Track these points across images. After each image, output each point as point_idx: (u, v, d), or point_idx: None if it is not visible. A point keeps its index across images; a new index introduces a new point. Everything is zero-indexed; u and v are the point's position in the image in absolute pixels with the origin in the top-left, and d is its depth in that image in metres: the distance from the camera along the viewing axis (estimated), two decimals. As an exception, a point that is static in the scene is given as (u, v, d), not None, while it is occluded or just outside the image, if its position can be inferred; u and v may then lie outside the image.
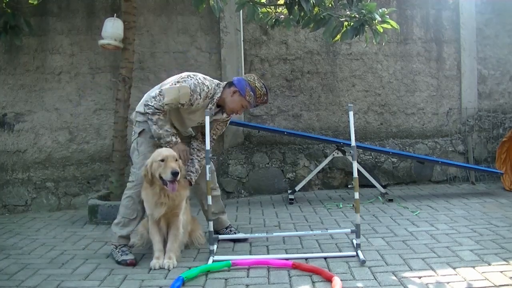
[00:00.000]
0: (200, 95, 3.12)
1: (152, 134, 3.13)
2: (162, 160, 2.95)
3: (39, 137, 5.08)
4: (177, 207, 3.07)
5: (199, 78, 3.17)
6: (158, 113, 3.06)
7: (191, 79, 3.12)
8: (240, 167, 5.25)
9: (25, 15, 4.77)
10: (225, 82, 3.33)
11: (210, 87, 3.17)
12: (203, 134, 3.20)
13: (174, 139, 3.12)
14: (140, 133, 3.20)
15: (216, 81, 3.30)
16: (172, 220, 3.06)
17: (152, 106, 3.05)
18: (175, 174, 2.90)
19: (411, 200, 4.75)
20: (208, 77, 3.27)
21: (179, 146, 3.15)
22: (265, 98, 3.30)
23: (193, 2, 3.67)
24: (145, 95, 3.27)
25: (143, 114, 3.14)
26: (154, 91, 3.19)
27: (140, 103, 3.27)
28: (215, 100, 3.21)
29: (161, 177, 2.95)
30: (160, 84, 3.28)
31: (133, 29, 4.40)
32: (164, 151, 3.00)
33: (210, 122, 3.15)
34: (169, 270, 2.87)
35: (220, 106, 3.28)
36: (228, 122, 3.54)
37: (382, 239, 3.40)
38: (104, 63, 5.15)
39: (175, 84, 3.10)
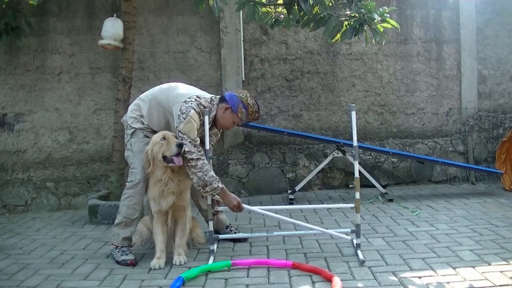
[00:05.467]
0: (202, 115, 3.11)
1: (194, 182, 3.00)
2: (164, 138, 2.97)
3: (39, 137, 5.08)
4: (183, 199, 3.08)
5: (195, 99, 3.08)
6: (201, 155, 2.97)
7: (190, 104, 3.04)
8: (240, 167, 5.25)
9: (25, 15, 4.77)
10: (217, 97, 3.27)
11: (206, 106, 3.14)
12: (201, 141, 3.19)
13: (220, 185, 3.03)
14: (132, 134, 3.21)
15: (208, 97, 3.23)
16: (179, 215, 3.08)
17: (190, 151, 2.96)
18: (180, 146, 2.92)
19: (411, 200, 4.74)
20: (200, 94, 3.21)
21: (230, 196, 3.07)
22: (257, 115, 3.29)
23: (193, 2, 3.68)
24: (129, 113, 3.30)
25: (190, 166, 2.98)
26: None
27: (129, 109, 3.31)
28: (211, 117, 3.17)
29: (164, 158, 2.95)
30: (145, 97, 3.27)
31: (133, 29, 4.40)
32: (162, 132, 3.04)
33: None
34: (180, 265, 2.92)
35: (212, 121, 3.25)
36: (220, 133, 3.51)
37: (382, 239, 3.40)
38: (104, 63, 5.14)
39: (183, 118, 2.99)
